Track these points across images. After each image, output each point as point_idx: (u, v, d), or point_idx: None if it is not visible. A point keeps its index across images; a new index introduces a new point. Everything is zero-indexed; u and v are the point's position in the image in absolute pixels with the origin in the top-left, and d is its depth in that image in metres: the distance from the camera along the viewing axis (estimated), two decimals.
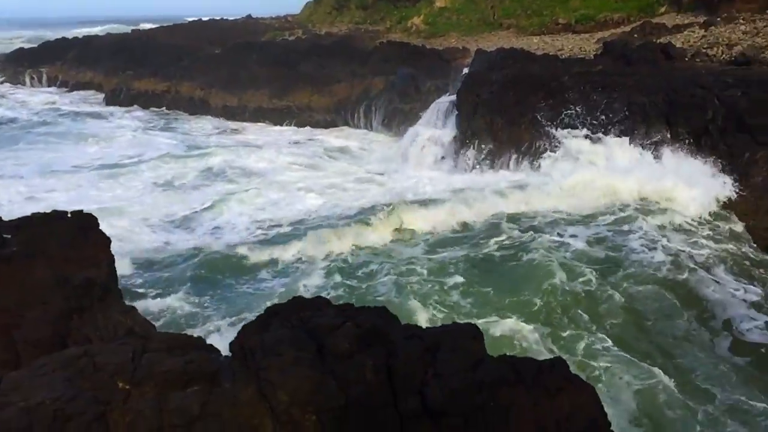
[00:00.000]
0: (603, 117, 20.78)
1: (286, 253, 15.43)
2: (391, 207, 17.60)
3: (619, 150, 20.06)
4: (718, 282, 13.66)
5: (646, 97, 20.52)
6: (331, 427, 5.44)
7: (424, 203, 18.27)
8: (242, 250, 15.49)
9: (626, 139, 20.11)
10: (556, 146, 21.22)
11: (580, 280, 13.50)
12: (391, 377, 5.94)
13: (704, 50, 25.80)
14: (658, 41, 27.64)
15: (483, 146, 23.40)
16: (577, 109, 21.35)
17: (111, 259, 11.04)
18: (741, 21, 28.92)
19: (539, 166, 21.24)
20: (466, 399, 5.88)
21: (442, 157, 25.41)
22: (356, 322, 6.24)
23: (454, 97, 26.34)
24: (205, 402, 5.45)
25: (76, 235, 10.60)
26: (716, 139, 18.86)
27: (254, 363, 5.83)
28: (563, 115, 21.53)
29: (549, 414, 6.41)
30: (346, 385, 5.66)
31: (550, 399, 6.50)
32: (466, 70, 29.13)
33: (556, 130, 21.44)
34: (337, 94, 34.94)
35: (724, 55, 24.92)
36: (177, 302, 13.00)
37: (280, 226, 18.04)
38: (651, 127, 20.00)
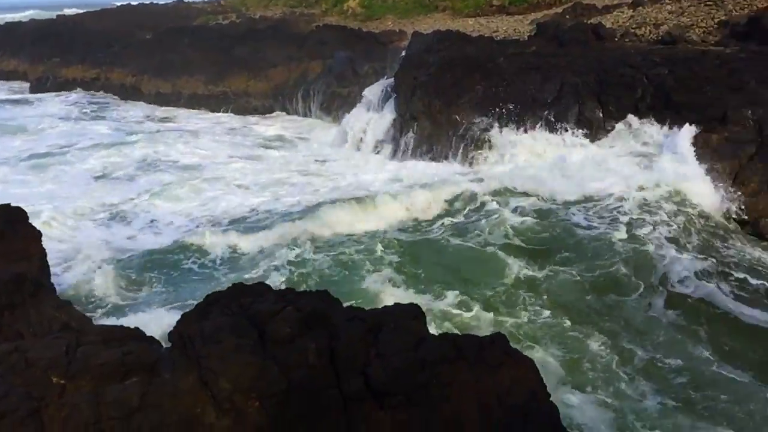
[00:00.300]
0: (547, 111, 20.96)
1: (229, 246, 15.02)
2: (337, 202, 17.02)
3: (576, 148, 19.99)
4: (665, 246, 14.09)
5: (579, 78, 20.99)
6: (274, 413, 5.42)
7: (370, 197, 17.55)
8: (182, 244, 15.11)
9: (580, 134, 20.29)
10: (496, 136, 21.39)
11: (526, 251, 13.95)
12: (333, 360, 5.95)
13: (633, 30, 26.46)
14: (589, 22, 28.17)
15: (422, 129, 23.53)
16: (510, 106, 21.62)
17: (42, 253, 10.68)
18: (667, 1, 29.70)
19: (485, 160, 21.41)
20: (408, 378, 5.94)
21: (382, 142, 25.45)
22: (297, 307, 6.22)
23: (392, 80, 26.37)
24: (144, 393, 5.36)
25: (3, 229, 10.20)
26: (646, 117, 19.48)
27: (194, 351, 5.76)
28: (496, 111, 21.81)
29: (490, 389, 6.56)
30: (288, 370, 5.64)
31: (491, 374, 6.65)
32: (403, 53, 29.13)
33: (498, 120, 21.65)
34: (274, 78, 34.49)
35: (651, 35, 25.63)
36: (114, 295, 12.71)
37: (219, 223, 17.40)
38: (584, 107, 20.49)
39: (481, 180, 18.87)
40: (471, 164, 21.46)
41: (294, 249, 14.50)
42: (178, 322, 6.45)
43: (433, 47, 26.02)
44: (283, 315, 6.07)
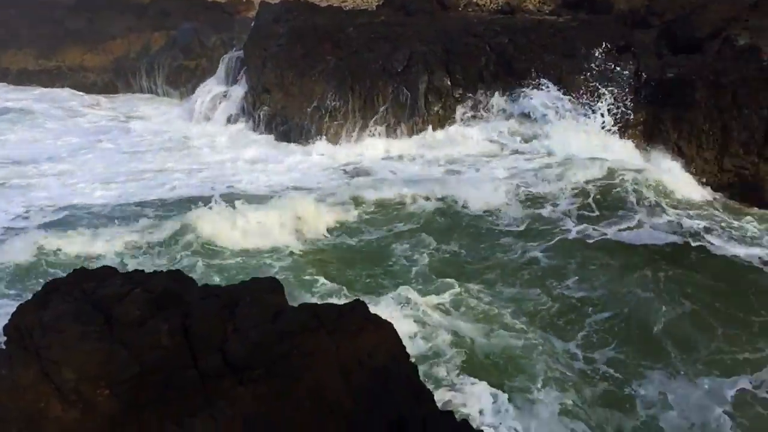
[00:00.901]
0: (397, 81, 21.16)
1: (62, 251, 12.94)
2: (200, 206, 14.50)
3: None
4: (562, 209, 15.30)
5: (427, 47, 21.49)
6: (127, 399, 5.17)
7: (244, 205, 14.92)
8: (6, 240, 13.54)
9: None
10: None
11: (409, 237, 14.24)
12: (189, 339, 5.76)
13: (474, 0, 27.47)
14: None
15: (275, 102, 23.15)
16: (362, 76, 21.72)
17: None
18: None
19: (343, 135, 21.35)
20: (268, 350, 5.88)
21: (236, 116, 24.79)
22: (146, 288, 5.94)
23: (242, 52, 25.70)
24: None
25: None
26: (490, 84, 20.35)
27: (33, 343, 5.35)
28: (349, 83, 21.82)
29: (352, 354, 6.64)
30: (140, 354, 5.39)
31: (351, 340, 6.73)
32: (252, 24, 28.41)
33: (351, 90, 21.65)
34: (114, 52, 32.45)
35: (492, 5, 26.76)
36: None
37: (51, 223, 14.95)
38: (433, 76, 21.02)
39: (351, 171, 18.66)
40: (330, 140, 21.36)
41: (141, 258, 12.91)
42: (13, 314, 5.95)
43: (281, 17, 25.58)
44: (131, 297, 5.77)
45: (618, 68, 18.70)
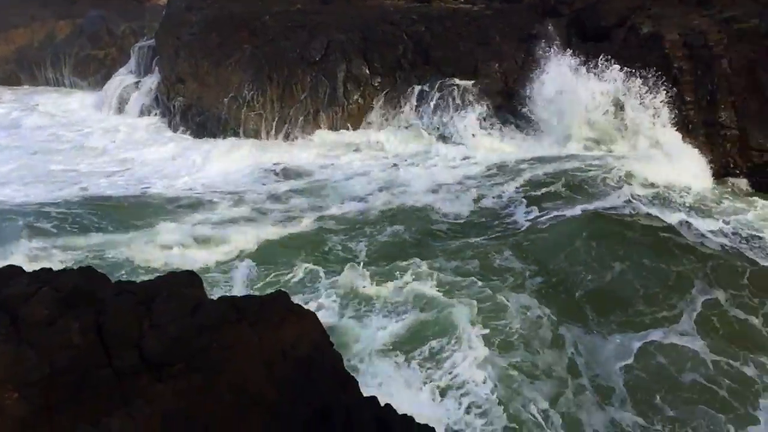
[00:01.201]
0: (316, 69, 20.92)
1: None
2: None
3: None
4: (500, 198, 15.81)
5: (344, 35, 21.44)
6: (37, 401, 4.97)
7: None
8: None
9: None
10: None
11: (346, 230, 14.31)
12: (102, 337, 5.58)
13: None
14: None
15: (191, 92, 22.58)
16: (280, 64, 21.46)
17: None
18: None
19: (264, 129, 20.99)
20: (187, 345, 5.76)
21: (150, 107, 24.07)
22: (55, 287, 5.71)
23: (154, 41, 24.94)
24: None
25: None
26: (408, 72, 20.49)
27: None
28: (266, 71, 21.50)
29: (274, 345, 6.60)
30: (50, 354, 5.18)
31: (274, 331, 6.68)
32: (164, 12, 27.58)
33: (269, 79, 21.31)
34: (15, 41, 30.89)
35: None
36: None
37: None
38: (351, 64, 21.01)
39: (280, 173, 18.01)
40: (250, 133, 20.98)
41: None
42: None
43: (194, 5, 25.01)
44: (38, 296, 5.53)
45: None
